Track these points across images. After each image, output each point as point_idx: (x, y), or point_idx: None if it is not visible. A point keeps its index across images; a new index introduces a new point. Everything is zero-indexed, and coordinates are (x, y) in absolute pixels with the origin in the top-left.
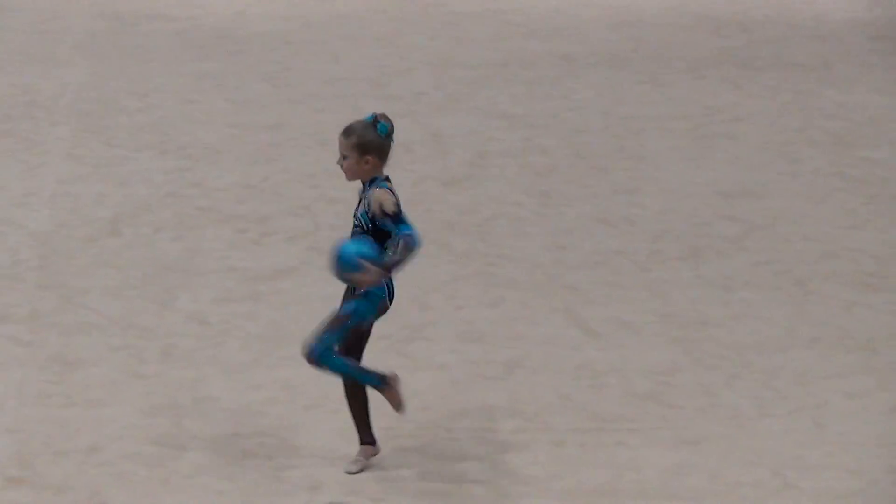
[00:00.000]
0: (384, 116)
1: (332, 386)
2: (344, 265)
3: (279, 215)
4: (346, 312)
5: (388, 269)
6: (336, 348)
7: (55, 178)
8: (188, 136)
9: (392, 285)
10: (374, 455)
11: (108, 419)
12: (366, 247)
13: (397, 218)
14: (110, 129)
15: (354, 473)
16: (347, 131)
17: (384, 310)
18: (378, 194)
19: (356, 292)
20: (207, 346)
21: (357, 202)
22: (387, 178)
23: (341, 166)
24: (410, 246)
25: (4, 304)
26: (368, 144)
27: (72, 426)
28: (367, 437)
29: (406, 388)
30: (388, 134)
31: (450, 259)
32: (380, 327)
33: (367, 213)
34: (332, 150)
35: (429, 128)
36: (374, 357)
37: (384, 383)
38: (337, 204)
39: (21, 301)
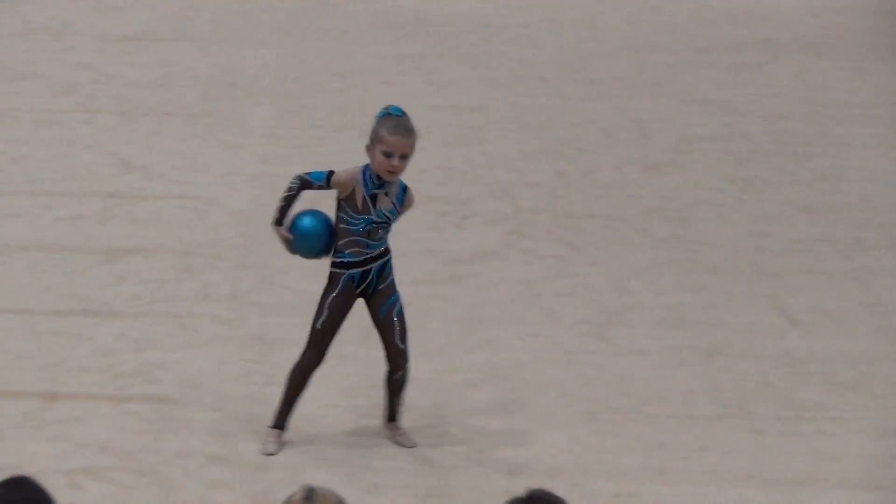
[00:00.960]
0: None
1: (531, 371)
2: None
3: (479, 198)
4: (399, 310)
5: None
6: None
7: (257, 158)
8: None
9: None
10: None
11: (307, 399)
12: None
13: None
14: (310, 110)
15: (271, 455)
16: (409, 128)
17: None
18: (412, 196)
19: (386, 286)
20: (408, 327)
21: (366, 197)
22: None
23: (390, 167)
24: None
25: (206, 283)
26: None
27: (272, 405)
28: (282, 421)
29: (606, 373)
30: None
31: (650, 244)
32: (579, 311)
33: (396, 209)
34: (534, 133)
35: (630, 113)
36: (573, 341)
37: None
38: (537, 187)
39: (222, 280)
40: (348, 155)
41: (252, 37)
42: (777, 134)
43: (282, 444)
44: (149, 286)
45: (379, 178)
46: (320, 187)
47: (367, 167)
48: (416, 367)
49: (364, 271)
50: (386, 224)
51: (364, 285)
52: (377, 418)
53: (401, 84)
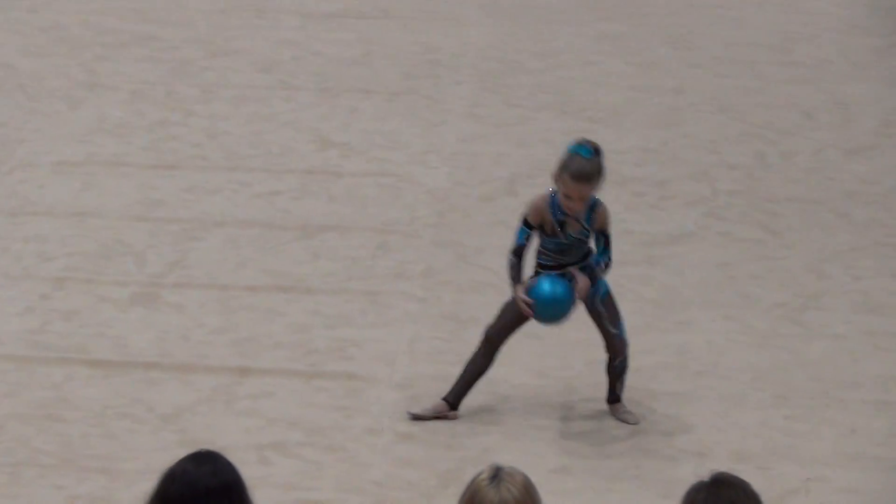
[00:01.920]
0: (593, 144)
1: (724, 353)
2: (566, 302)
3: (678, 180)
4: (606, 293)
5: (595, 279)
6: None
7: (455, 137)
8: (589, 97)
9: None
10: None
11: (499, 379)
12: (557, 281)
13: (609, 241)
14: (511, 89)
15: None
16: (591, 174)
17: None
18: (604, 210)
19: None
20: None
21: (554, 224)
22: None
23: (570, 208)
24: (608, 269)
25: (401, 261)
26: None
27: None
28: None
29: (800, 357)
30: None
31: (849, 229)
32: (774, 295)
33: (586, 230)
34: (734, 115)
35: (833, 95)
36: (768, 325)
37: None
38: (735, 170)
39: (417, 258)
40: (546, 135)
41: (454, 15)
42: None
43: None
44: (343, 263)
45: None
46: (531, 237)
47: (555, 193)
48: None
49: (561, 274)
50: (579, 242)
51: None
52: (568, 398)
53: (602, 64)
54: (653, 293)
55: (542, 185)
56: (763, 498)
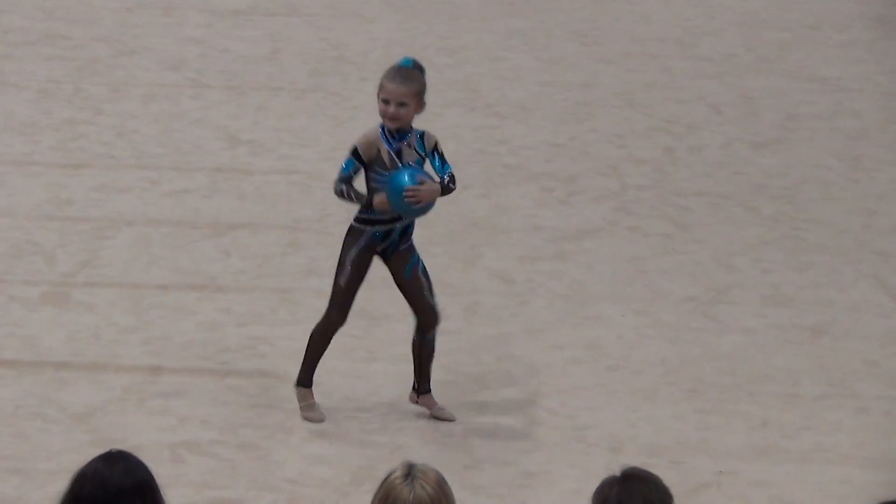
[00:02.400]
0: (417, 61)
1: (635, 348)
2: (407, 183)
3: (586, 174)
4: (423, 266)
5: (441, 189)
6: None
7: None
8: (496, 93)
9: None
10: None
11: (408, 374)
12: (418, 170)
13: (444, 156)
14: None
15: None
16: (406, 78)
17: None
18: (431, 135)
19: (407, 247)
20: (512, 303)
21: (387, 155)
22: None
23: (388, 114)
24: (454, 181)
25: (311, 259)
26: (424, 89)
27: (375, 381)
28: (307, 380)
29: (710, 351)
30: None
31: (758, 222)
32: (685, 289)
33: (421, 157)
34: (642, 109)
35: (738, 89)
36: (678, 319)
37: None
38: (644, 164)
39: (328, 255)
40: (456, 131)
41: (360, 11)
42: (888, 112)
43: (314, 404)
44: (254, 261)
45: (397, 131)
46: (357, 170)
47: (383, 126)
48: (520, 344)
49: (388, 230)
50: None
51: (385, 244)
52: (480, 394)
53: (510, 60)
54: (563, 288)
55: None
56: (675, 492)
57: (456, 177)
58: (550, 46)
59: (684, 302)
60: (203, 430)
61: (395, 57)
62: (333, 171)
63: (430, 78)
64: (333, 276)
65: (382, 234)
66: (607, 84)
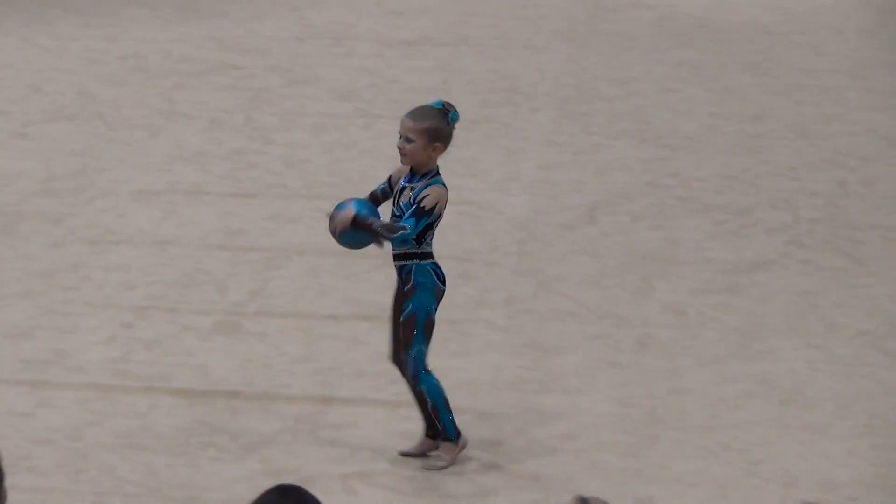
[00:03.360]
0: (452, 105)
1: (808, 382)
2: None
3: (759, 207)
4: (410, 314)
5: (363, 224)
6: (428, 358)
7: (534, 164)
8: (667, 125)
9: (440, 270)
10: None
11: (583, 408)
12: (366, 206)
13: (420, 213)
14: (589, 116)
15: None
16: (418, 114)
17: (441, 295)
18: (435, 190)
19: (406, 290)
20: (684, 336)
21: (398, 191)
22: (438, 172)
23: (401, 148)
24: (399, 233)
25: (482, 289)
26: (439, 132)
27: (547, 413)
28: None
29: (886, 385)
30: (455, 123)
31: None
32: (859, 323)
33: (409, 204)
34: (814, 142)
35: None
36: (852, 353)
37: (456, 439)
38: (817, 197)
39: (498, 286)
40: (626, 163)
41: (531, 42)
42: None
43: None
44: None
45: (412, 170)
46: (386, 192)
47: None
48: (693, 377)
49: (396, 267)
50: (399, 218)
51: (400, 281)
52: (652, 427)
53: (680, 91)
54: (735, 321)
55: (623, 213)
56: None
57: (410, 235)
58: (721, 78)
59: (858, 336)
60: (375, 461)
61: (566, 88)
62: (504, 203)
63: (601, 108)
64: None
65: (396, 270)
66: (779, 116)
